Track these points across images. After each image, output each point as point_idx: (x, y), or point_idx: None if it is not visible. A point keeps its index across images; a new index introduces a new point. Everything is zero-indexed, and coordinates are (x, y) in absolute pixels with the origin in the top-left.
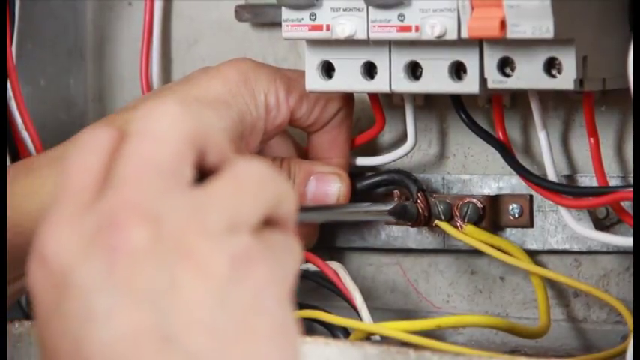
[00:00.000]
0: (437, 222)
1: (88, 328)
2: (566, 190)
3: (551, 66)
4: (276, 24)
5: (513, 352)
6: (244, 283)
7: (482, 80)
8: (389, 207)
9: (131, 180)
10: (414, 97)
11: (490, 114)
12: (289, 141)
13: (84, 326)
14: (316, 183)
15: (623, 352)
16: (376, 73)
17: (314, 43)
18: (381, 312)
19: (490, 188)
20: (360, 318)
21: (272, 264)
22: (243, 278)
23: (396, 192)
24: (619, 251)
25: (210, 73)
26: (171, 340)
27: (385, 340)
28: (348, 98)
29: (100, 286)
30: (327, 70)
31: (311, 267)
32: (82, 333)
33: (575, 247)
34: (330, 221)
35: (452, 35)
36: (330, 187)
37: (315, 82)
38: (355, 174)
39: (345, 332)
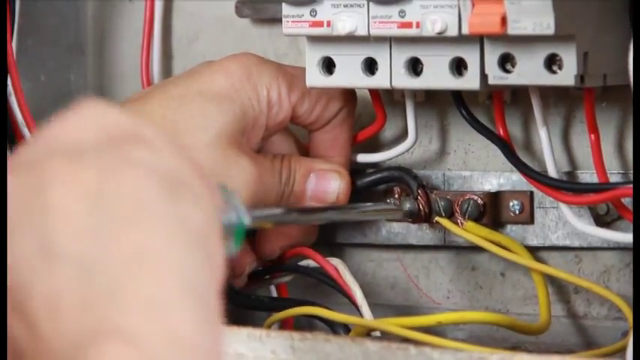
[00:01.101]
0: (437, 218)
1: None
2: (567, 187)
3: (551, 62)
4: (276, 20)
5: (514, 348)
6: (120, 187)
7: (483, 76)
8: (394, 206)
9: (28, 149)
10: (415, 93)
11: (491, 110)
12: (291, 138)
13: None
14: (316, 180)
15: (624, 349)
16: (377, 69)
17: (314, 40)
18: (381, 308)
19: (491, 184)
20: (360, 314)
21: (151, 167)
22: (118, 182)
23: (397, 188)
24: (620, 247)
25: (213, 68)
26: (54, 253)
27: (386, 336)
28: (350, 97)
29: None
30: (328, 66)
31: (311, 263)
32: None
33: (576, 244)
34: (345, 221)
35: (452, 31)
36: (329, 184)
37: (315, 78)
38: (356, 170)
39: (346, 329)
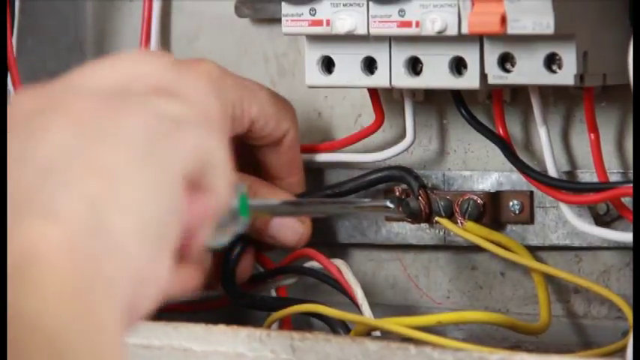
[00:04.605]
0: (437, 218)
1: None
2: (567, 186)
3: (551, 61)
4: (276, 20)
5: (514, 347)
6: (118, 124)
7: (483, 76)
8: (393, 204)
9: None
10: (414, 92)
11: (490, 109)
12: (280, 157)
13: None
14: (280, 221)
15: (624, 348)
16: (376, 68)
17: (314, 39)
18: (381, 308)
19: (490, 184)
20: (361, 314)
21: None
22: (118, 120)
23: (397, 188)
24: (619, 247)
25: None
26: (25, 158)
27: (385, 336)
28: (295, 118)
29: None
30: (327, 65)
31: (315, 265)
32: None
33: (576, 243)
34: (342, 215)
35: (452, 31)
36: (291, 229)
37: (315, 77)
38: (356, 170)
39: (346, 329)
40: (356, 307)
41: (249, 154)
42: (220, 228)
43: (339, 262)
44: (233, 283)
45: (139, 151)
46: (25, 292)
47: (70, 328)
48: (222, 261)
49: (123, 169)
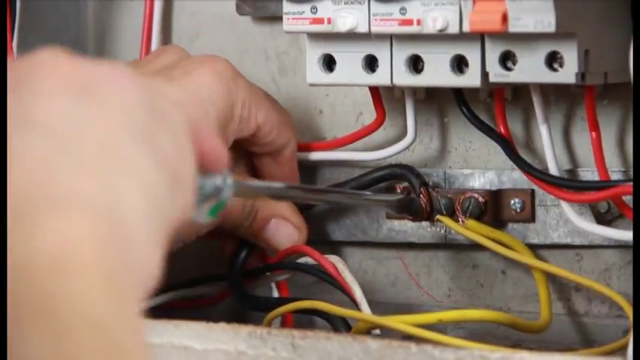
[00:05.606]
0: (439, 216)
1: None
2: (568, 184)
3: (553, 60)
4: (277, 18)
5: (515, 346)
6: (106, 89)
7: (484, 74)
8: (396, 198)
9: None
10: (415, 90)
11: (492, 108)
12: (283, 167)
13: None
14: (275, 227)
15: (625, 347)
16: (377, 66)
17: (315, 37)
18: (382, 306)
19: (492, 182)
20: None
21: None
22: (107, 85)
23: (399, 186)
24: (620, 245)
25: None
26: (30, 122)
27: (386, 334)
28: (294, 131)
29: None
30: (329, 63)
31: (310, 261)
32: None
33: (577, 242)
34: (335, 204)
35: (453, 29)
36: (285, 238)
37: (316, 75)
38: (357, 168)
39: (347, 327)
40: (355, 305)
41: (249, 163)
42: (203, 204)
43: (335, 259)
44: (239, 286)
45: (139, 125)
46: (67, 287)
47: (115, 317)
48: (229, 264)
49: (133, 157)
